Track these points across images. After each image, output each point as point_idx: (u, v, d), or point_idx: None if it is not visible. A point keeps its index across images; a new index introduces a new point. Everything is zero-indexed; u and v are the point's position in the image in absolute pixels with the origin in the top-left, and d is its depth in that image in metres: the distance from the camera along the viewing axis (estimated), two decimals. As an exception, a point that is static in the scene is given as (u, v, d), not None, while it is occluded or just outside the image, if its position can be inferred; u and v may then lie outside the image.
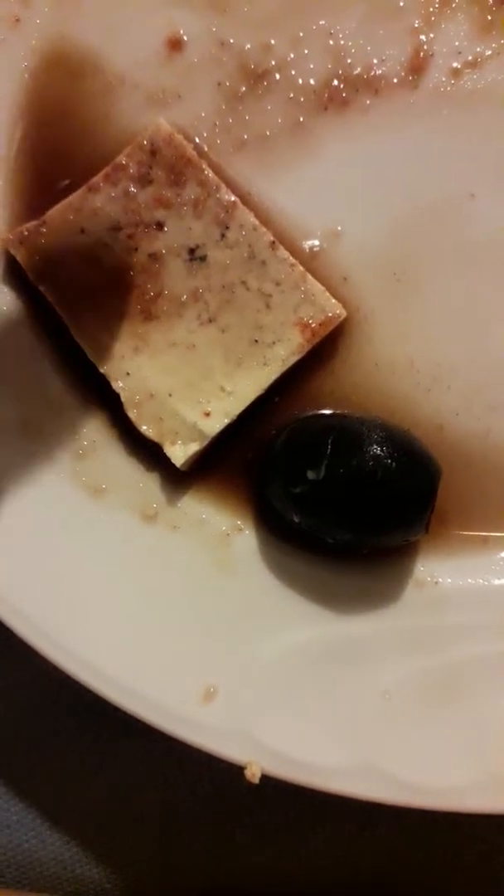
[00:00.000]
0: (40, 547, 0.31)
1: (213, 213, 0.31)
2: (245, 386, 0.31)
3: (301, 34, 0.33)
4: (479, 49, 0.33)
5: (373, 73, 0.33)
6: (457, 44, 0.33)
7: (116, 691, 0.30)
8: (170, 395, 0.31)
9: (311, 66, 0.33)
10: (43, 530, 0.31)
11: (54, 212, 0.31)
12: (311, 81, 0.33)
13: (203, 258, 0.31)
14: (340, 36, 0.33)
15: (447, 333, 0.33)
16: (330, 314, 0.31)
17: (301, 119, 0.33)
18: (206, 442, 0.31)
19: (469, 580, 0.32)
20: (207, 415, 0.31)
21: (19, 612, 0.30)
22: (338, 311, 0.31)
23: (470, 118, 0.33)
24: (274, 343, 0.31)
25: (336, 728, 0.30)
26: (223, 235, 0.31)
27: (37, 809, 0.36)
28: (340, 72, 0.33)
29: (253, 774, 0.29)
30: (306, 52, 0.33)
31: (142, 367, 0.31)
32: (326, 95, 0.33)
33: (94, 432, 0.32)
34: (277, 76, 0.33)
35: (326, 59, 0.33)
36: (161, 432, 0.31)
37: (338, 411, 0.32)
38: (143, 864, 0.36)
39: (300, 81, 0.33)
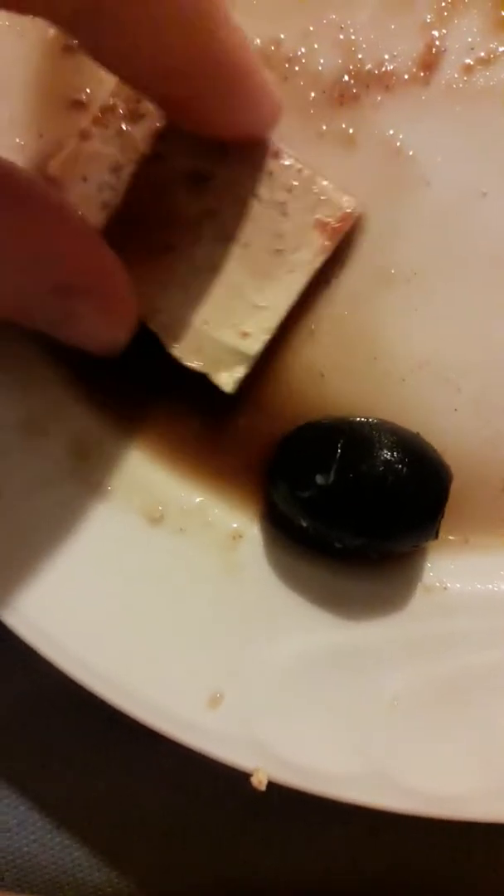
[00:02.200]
0: (42, 548, 0.30)
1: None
2: (276, 298, 0.31)
3: (311, 28, 0.32)
4: (492, 45, 0.32)
5: (384, 69, 0.32)
6: (469, 40, 0.32)
7: (120, 695, 0.30)
8: (205, 323, 0.30)
9: (322, 62, 0.32)
10: (46, 532, 0.31)
11: (55, 165, 0.31)
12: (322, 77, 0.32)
13: (207, 179, 0.31)
14: (351, 31, 0.32)
15: (458, 334, 0.32)
16: (347, 210, 0.31)
17: (311, 115, 0.32)
18: (251, 363, 0.31)
19: (478, 585, 0.32)
20: (246, 335, 0.30)
21: (21, 614, 0.30)
22: (352, 205, 0.31)
23: (482, 115, 0.32)
24: (297, 249, 0.31)
25: (344, 735, 0.30)
26: (223, 155, 0.30)
27: (38, 813, 0.36)
28: (351, 67, 0.32)
29: (260, 781, 0.29)
30: (316, 46, 0.32)
31: (172, 301, 0.30)
32: (337, 91, 0.32)
33: (100, 432, 0.32)
34: (287, 72, 0.32)
35: (337, 54, 0.32)
36: (204, 362, 0.30)
37: (347, 415, 0.31)
38: (145, 869, 0.36)
39: (310, 77, 0.32)
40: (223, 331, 0.30)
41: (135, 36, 0.23)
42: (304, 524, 0.30)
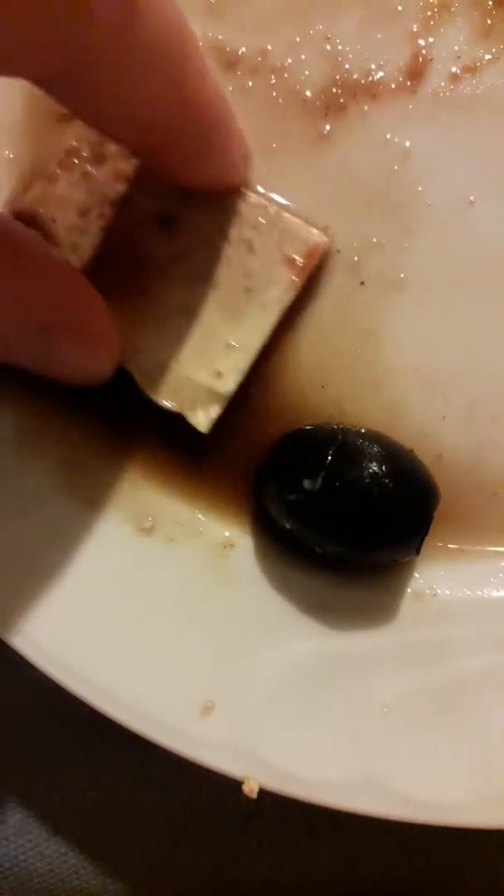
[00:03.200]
0: (33, 560, 0.31)
1: None
2: (249, 336, 0.31)
3: (298, 39, 0.32)
4: (478, 53, 0.32)
5: (371, 79, 0.32)
6: (456, 48, 0.32)
7: (112, 705, 0.30)
8: (180, 363, 0.31)
9: (308, 72, 0.32)
10: (36, 543, 0.31)
11: (22, 207, 0.31)
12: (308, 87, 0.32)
13: (175, 220, 0.31)
14: (338, 40, 0.32)
15: (447, 342, 0.32)
16: (312, 244, 0.31)
17: (298, 125, 0.32)
18: (224, 403, 0.31)
19: (468, 592, 0.32)
20: (220, 375, 0.31)
21: (13, 624, 0.30)
22: (319, 239, 0.31)
23: (469, 123, 0.32)
24: (266, 286, 0.31)
25: (336, 742, 0.30)
26: (189, 196, 0.31)
27: (33, 822, 0.36)
28: (338, 77, 0.32)
29: (251, 789, 0.29)
30: (303, 57, 0.32)
31: (148, 343, 0.31)
32: (324, 101, 0.32)
33: (90, 443, 0.32)
34: (274, 82, 0.32)
35: (324, 64, 0.32)
36: (180, 402, 0.31)
37: (341, 423, 0.31)
38: (139, 876, 0.36)
39: (297, 87, 0.32)
40: (197, 371, 0.31)
41: (116, 91, 0.23)
42: (288, 526, 0.30)
